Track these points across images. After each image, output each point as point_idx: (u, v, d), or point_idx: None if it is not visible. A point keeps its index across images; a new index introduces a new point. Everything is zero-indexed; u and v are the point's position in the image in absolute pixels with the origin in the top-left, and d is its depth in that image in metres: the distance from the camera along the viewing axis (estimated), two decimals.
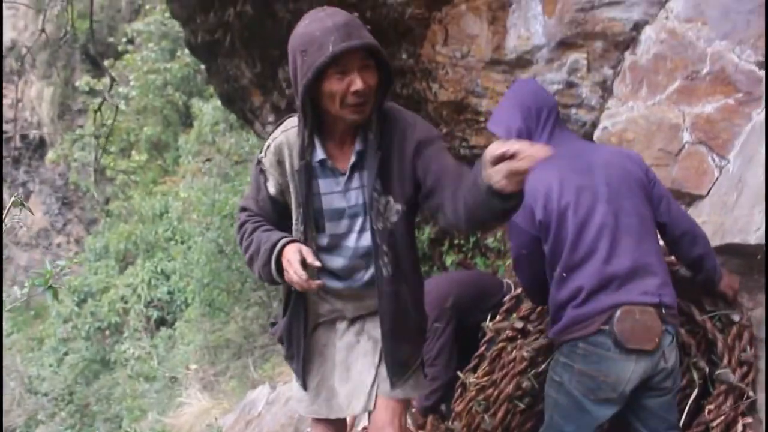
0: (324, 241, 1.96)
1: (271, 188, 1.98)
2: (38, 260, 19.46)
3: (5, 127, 19.44)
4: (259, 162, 1.99)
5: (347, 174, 1.91)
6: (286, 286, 1.96)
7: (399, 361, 2.02)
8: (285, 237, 1.86)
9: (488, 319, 2.99)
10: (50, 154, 16.86)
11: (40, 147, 18.09)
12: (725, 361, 2.41)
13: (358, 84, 1.74)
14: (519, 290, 2.93)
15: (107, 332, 11.18)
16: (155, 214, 12.07)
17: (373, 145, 1.86)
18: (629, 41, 3.09)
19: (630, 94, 3.10)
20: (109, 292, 11.94)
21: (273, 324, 2.21)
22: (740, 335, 2.44)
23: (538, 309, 2.67)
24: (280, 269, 1.83)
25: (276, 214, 2.00)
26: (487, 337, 2.91)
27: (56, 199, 18.27)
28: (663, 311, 2.13)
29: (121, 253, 12.68)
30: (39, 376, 10.28)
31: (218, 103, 10.43)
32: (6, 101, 19.37)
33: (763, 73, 2.67)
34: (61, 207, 18.25)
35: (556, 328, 2.22)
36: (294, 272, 1.75)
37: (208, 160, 10.31)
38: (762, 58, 2.67)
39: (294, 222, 1.96)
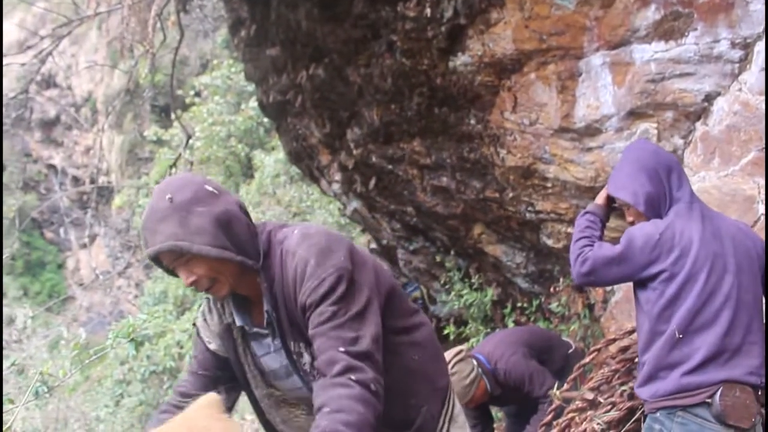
0: (289, 396, 1.86)
1: (211, 346, 1.86)
2: (99, 302, 20.07)
3: (76, 171, 20.42)
4: (194, 324, 1.91)
5: (270, 334, 1.78)
6: None
7: None
8: None
9: (555, 387, 2.98)
10: (116, 200, 17.59)
11: (108, 193, 18.88)
12: None
13: (184, 281, 1.66)
14: (588, 359, 2.90)
15: (164, 377, 11.36)
16: None
17: (280, 300, 1.71)
18: (700, 112, 3.10)
19: (702, 164, 3.10)
20: (165, 336, 12.16)
21: None
22: None
23: (609, 380, 2.63)
24: None
25: (218, 371, 1.86)
26: (554, 406, 2.88)
27: (119, 243, 18.93)
28: (759, 393, 2.14)
29: (179, 298, 12.98)
30: (98, 418, 10.50)
31: (280, 155, 10.77)
32: (79, 147, 20.40)
33: None
34: (124, 251, 18.88)
35: (656, 391, 2.17)
36: None
37: None
38: None
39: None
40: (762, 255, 2.28)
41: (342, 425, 1.49)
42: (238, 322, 1.79)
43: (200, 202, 1.62)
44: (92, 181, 18.93)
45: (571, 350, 3.69)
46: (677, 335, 2.14)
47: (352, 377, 1.56)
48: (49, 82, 20.29)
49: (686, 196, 2.29)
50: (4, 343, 11.19)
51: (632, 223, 2.39)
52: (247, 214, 1.73)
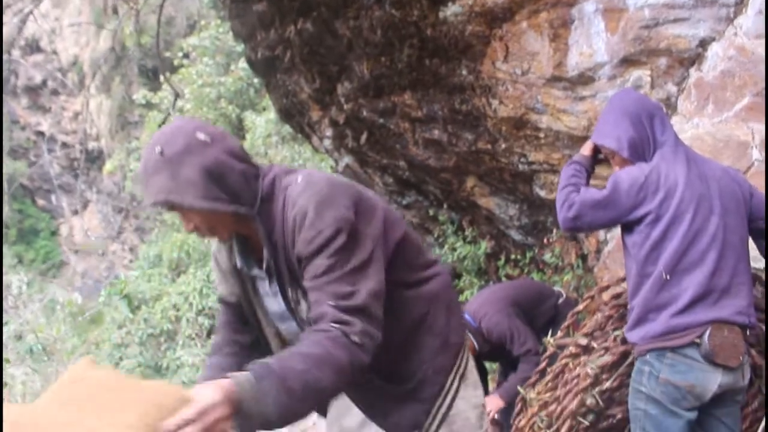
0: (294, 338, 1.80)
1: (219, 288, 1.88)
2: (94, 266, 20.10)
3: (65, 137, 20.23)
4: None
5: (268, 279, 1.76)
6: None
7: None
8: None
9: (549, 335, 3.00)
10: (107, 165, 17.47)
11: (98, 158, 18.74)
12: None
13: (185, 227, 1.66)
14: (581, 306, 2.91)
15: (162, 339, 11.44)
16: None
17: (279, 248, 1.67)
18: (694, 58, 3.07)
19: (695, 110, 3.08)
20: (162, 299, 12.20)
21: None
22: None
23: (602, 325, 2.65)
24: None
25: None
26: (548, 353, 2.91)
27: (112, 208, 18.87)
28: (747, 332, 2.16)
29: (173, 261, 12.98)
30: None
31: (271, 115, 10.66)
32: (67, 113, 20.15)
33: None
34: (116, 216, 18.84)
35: (646, 333, 2.19)
36: None
37: None
38: None
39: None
40: (748, 198, 2.28)
41: (298, 354, 1.46)
42: (239, 264, 1.79)
43: (191, 154, 1.57)
44: (82, 147, 18.77)
45: (561, 300, 3.71)
46: (665, 276, 2.15)
47: (335, 325, 1.53)
48: (33, 47, 19.92)
49: (670, 139, 2.28)
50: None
51: None
52: (243, 158, 1.67)
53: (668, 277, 2.15)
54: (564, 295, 3.80)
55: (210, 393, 1.28)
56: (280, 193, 1.67)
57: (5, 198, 15.50)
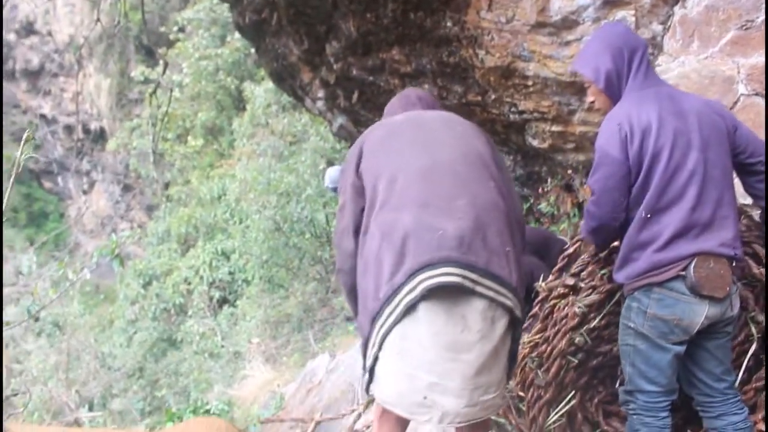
0: None
1: None
2: (105, 246, 20.26)
3: (67, 119, 20.22)
4: None
5: None
6: None
7: None
8: None
9: (541, 279, 3.02)
10: (110, 143, 17.48)
11: (100, 137, 18.76)
12: None
13: None
14: (571, 249, 2.93)
15: (172, 312, 11.59)
16: (213, 197, 12.40)
17: None
18: None
19: (681, 48, 3.04)
20: (172, 274, 12.34)
21: None
22: None
23: (590, 267, 2.67)
24: None
25: None
26: (540, 297, 2.93)
27: (118, 186, 18.96)
28: (734, 263, 2.18)
29: (182, 236, 13.10)
30: (111, 354, 10.79)
31: (270, 85, 10.62)
32: (67, 95, 20.13)
33: None
34: (124, 194, 18.94)
35: (631, 272, 2.22)
36: None
37: None
38: None
39: None
40: (732, 131, 2.25)
41: None
42: None
43: None
44: (84, 127, 18.78)
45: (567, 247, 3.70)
46: (645, 215, 2.17)
47: None
48: (28, 30, 19.83)
49: (641, 76, 2.26)
50: (16, 293, 11.40)
51: (592, 103, 2.41)
52: None
53: (649, 215, 2.17)
54: (569, 243, 3.80)
55: None
56: None
57: (11, 182, 15.55)
